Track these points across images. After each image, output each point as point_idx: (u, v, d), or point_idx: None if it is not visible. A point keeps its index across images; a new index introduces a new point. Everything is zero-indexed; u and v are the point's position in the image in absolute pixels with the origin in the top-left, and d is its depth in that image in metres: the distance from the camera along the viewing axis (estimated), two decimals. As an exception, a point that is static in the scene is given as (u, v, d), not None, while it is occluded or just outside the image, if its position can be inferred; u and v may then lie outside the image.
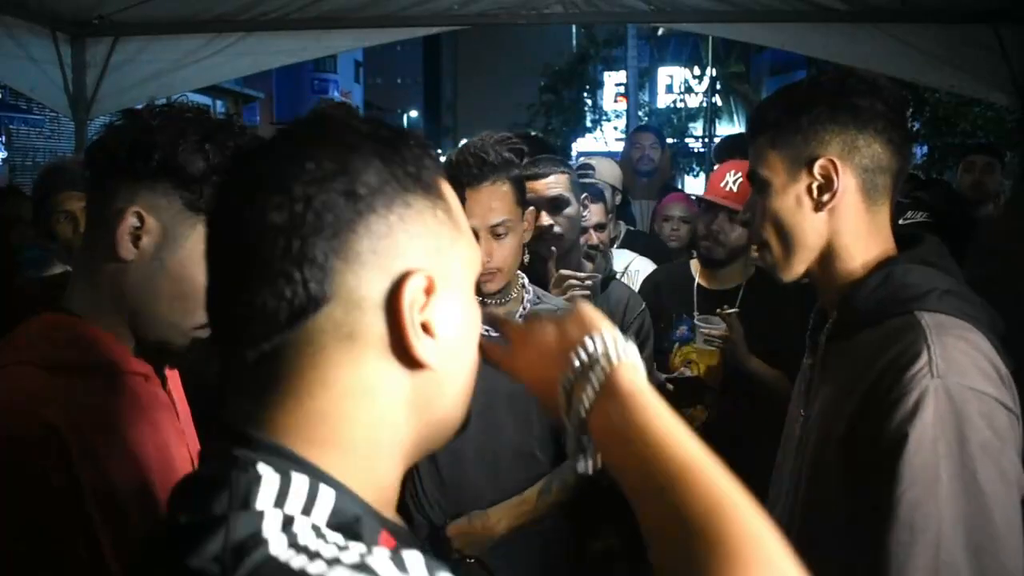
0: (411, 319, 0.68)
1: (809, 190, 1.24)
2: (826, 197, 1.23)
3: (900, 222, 2.52)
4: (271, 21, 4.37)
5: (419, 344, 0.69)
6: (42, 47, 4.22)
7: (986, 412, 1.06)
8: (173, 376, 1.33)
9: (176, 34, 4.45)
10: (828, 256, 1.26)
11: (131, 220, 1.12)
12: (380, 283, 0.67)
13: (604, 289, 2.51)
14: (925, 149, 14.10)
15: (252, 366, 0.68)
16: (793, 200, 1.25)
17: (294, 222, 0.65)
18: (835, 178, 1.22)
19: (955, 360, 1.08)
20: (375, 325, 0.68)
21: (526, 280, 2.01)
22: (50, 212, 2.71)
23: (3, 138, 13.19)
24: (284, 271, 0.65)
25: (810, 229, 1.25)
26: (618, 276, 2.84)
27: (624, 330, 2.10)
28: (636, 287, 2.72)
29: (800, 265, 1.28)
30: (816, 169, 1.23)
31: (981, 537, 1.02)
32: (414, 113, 58.11)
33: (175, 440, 1.24)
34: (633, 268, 2.98)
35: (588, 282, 2.24)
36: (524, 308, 1.96)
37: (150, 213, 1.13)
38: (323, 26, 4.48)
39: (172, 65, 4.45)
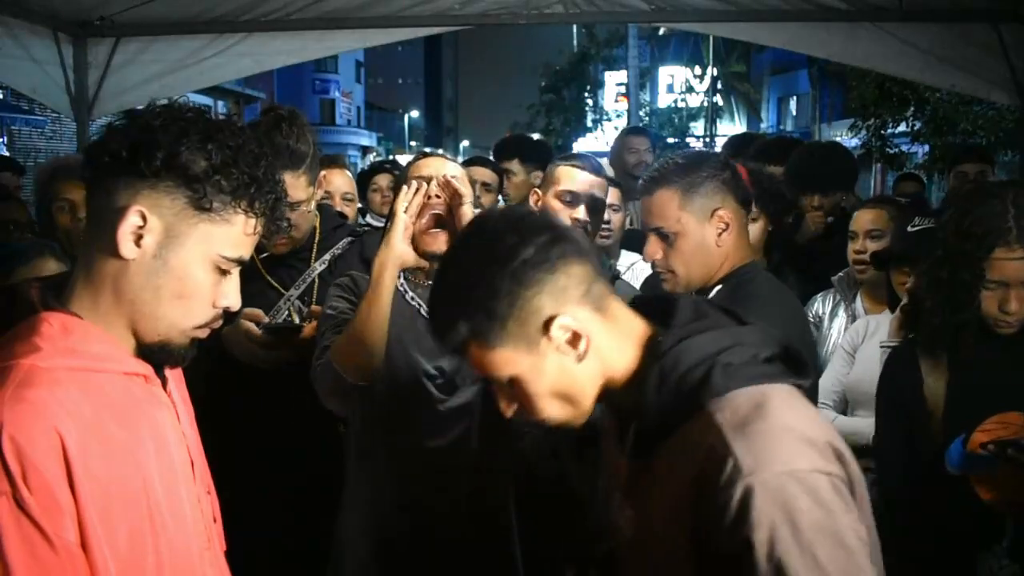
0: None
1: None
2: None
3: (908, 229, 2.50)
4: (272, 22, 4.38)
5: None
6: (44, 48, 4.23)
7: (808, 489, 1.03)
8: (176, 377, 1.34)
9: (178, 35, 4.46)
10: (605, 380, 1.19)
11: (133, 219, 1.13)
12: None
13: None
14: (926, 148, 14.11)
15: None
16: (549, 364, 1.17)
17: None
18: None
19: (761, 450, 1.05)
20: None
21: None
22: (51, 202, 2.74)
23: (5, 139, 13.20)
24: None
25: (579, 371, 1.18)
26: (622, 275, 2.86)
27: None
28: (638, 286, 2.73)
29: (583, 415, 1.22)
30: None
31: None
32: (415, 113, 58.06)
33: (175, 441, 1.24)
34: (638, 268, 2.99)
35: None
36: None
37: (153, 212, 1.13)
38: (324, 26, 4.49)
39: (174, 66, 4.46)
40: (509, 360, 1.15)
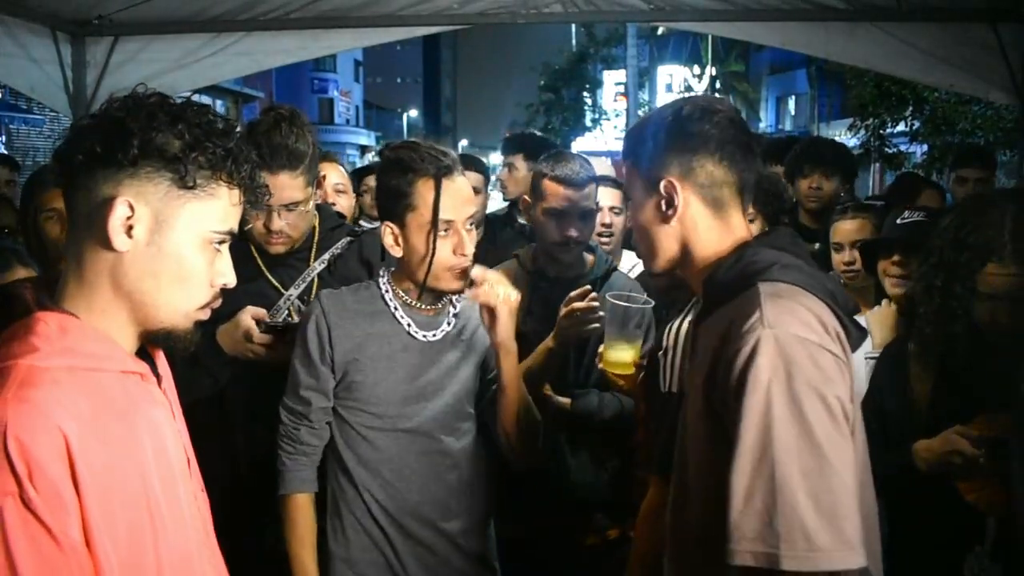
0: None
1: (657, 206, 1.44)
2: (671, 211, 1.42)
3: (897, 221, 2.52)
4: (271, 21, 4.38)
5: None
6: (42, 47, 4.23)
7: (810, 354, 1.22)
8: (167, 376, 1.34)
9: (176, 34, 4.46)
10: (685, 257, 1.46)
11: (121, 210, 1.13)
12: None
13: (606, 281, 2.53)
14: (925, 148, 14.11)
15: None
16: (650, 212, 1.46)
17: None
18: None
19: (782, 315, 1.25)
20: None
21: None
22: (37, 214, 2.72)
23: (3, 138, 13.20)
24: None
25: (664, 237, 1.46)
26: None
27: (627, 320, 2.11)
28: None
29: (660, 264, 1.49)
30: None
31: (809, 460, 1.17)
32: (414, 112, 58.02)
33: (172, 439, 1.24)
34: (638, 270, 2.99)
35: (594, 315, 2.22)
36: (454, 307, 2.02)
37: (139, 200, 1.14)
38: (323, 26, 4.49)
39: (172, 65, 4.46)
40: (633, 183, 1.49)
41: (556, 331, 2.27)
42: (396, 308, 1.94)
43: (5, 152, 10.63)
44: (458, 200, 1.87)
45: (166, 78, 4.39)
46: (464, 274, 1.89)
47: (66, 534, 1.03)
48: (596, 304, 2.21)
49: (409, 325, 1.95)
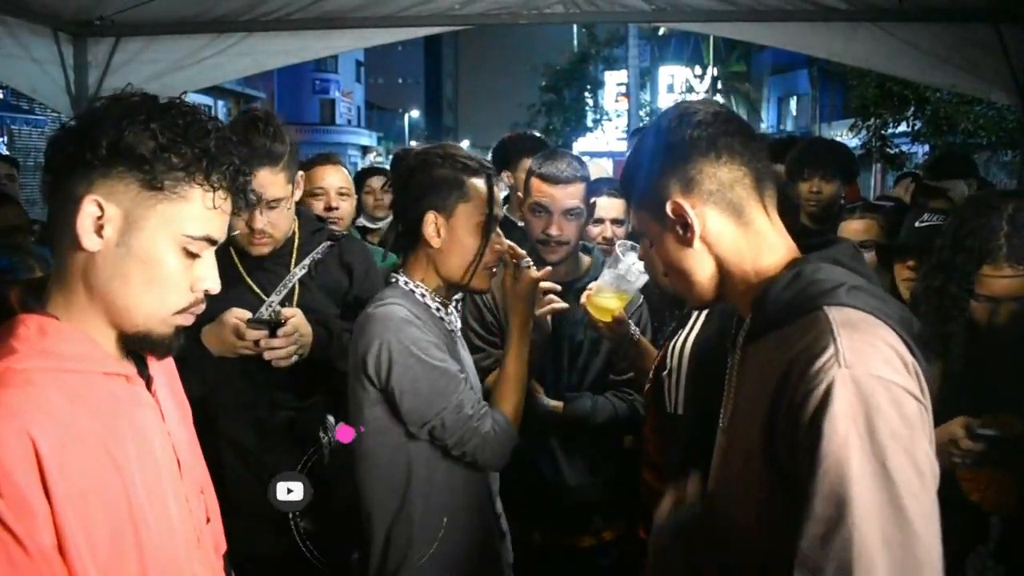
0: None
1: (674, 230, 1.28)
2: (689, 233, 1.26)
3: (916, 225, 2.52)
4: (272, 21, 4.38)
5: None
6: (44, 47, 4.23)
7: (895, 400, 1.05)
8: (169, 376, 1.33)
9: (178, 34, 4.45)
10: (723, 276, 1.29)
11: (89, 209, 1.12)
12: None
13: None
14: (926, 148, 14.11)
15: None
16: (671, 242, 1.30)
17: None
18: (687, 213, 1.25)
19: (861, 351, 1.07)
20: None
21: None
22: None
23: (5, 138, 13.21)
24: None
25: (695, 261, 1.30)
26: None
27: (626, 273, 2.13)
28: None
29: (705, 294, 1.32)
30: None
31: (893, 528, 1.01)
32: (415, 113, 58.00)
33: (159, 441, 1.23)
34: (636, 269, 2.99)
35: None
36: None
37: (109, 200, 1.13)
38: (324, 26, 4.49)
39: (174, 65, 4.46)
40: (645, 222, 1.34)
41: None
42: (438, 308, 1.93)
43: (6, 152, 10.64)
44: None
45: (168, 79, 4.39)
46: (492, 274, 1.96)
47: (32, 539, 1.01)
48: (559, 287, 2.28)
49: (450, 322, 1.96)
